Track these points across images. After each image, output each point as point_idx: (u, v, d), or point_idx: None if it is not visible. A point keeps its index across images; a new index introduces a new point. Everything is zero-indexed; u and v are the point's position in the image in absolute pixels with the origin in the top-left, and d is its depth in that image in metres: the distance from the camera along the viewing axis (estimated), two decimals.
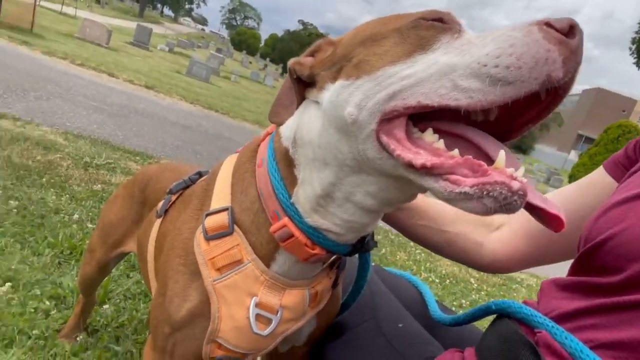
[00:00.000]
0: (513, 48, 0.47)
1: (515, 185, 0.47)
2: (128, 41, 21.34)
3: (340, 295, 0.90)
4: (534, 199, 0.49)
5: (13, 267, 1.69)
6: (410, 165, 0.53)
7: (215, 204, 0.74)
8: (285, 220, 0.67)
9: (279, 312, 0.73)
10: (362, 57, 0.59)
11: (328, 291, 0.81)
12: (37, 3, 13.62)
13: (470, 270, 4.38)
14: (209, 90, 13.87)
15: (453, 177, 0.50)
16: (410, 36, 0.56)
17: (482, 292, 3.71)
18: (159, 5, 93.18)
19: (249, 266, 0.71)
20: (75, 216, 2.36)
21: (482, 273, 4.38)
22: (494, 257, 0.95)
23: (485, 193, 0.48)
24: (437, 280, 3.55)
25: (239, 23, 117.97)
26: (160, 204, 0.93)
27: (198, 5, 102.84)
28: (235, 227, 0.71)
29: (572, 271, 0.69)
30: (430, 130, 0.56)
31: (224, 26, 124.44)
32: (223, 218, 0.72)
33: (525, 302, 0.72)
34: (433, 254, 4.42)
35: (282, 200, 0.68)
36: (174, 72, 16.04)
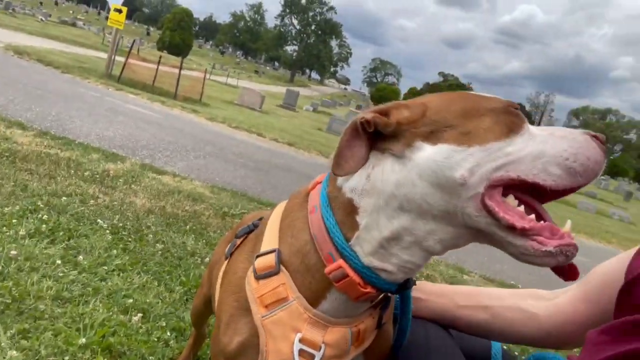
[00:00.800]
0: (583, 150, 0.65)
1: (576, 245, 0.65)
2: (278, 104, 23.71)
3: (391, 334, 0.91)
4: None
5: (148, 300, 1.98)
6: (511, 227, 0.65)
7: (265, 247, 0.83)
8: (341, 262, 0.73)
9: (321, 349, 0.77)
10: (470, 129, 0.69)
11: (372, 331, 0.83)
12: (207, 77, 16.07)
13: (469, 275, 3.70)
14: None
15: (540, 238, 0.65)
16: (505, 119, 0.69)
17: None
18: (307, 71, 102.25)
19: (293, 304, 0.77)
20: (207, 259, 2.67)
21: (480, 277, 3.67)
22: (553, 324, 0.87)
23: (563, 252, 0.64)
24: None
25: (379, 80, 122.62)
26: (228, 247, 1.04)
27: (342, 67, 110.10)
28: (282, 267, 0.79)
29: (616, 313, 0.63)
30: (511, 197, 0.68)
31: (365, 84, 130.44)
32: (271, 259, 0.79)
33: (569, 358, 0.64)
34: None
35: (338, 243, 0.74)
36: (316, 129, 17.23)
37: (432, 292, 0.99)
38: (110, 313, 1.79)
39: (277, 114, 19.11)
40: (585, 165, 0.64)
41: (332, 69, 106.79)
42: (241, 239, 1.00)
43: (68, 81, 10.82)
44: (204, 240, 2.99)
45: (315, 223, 0.77)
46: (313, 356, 0.77)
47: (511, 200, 0.68)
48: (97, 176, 3.67)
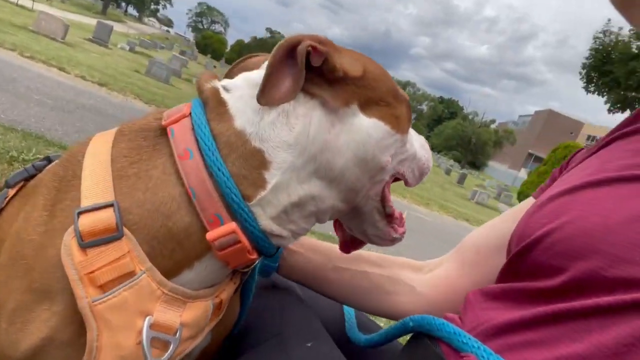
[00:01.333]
0: (429, 157, 0.76)
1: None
2: (86, 37, 20.62)
3: (238, 301, 0.80)
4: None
5: None
6: (391, 215, 0.71)
7: (89, 198, 0.57)
8: (233, 226, 0.57)
9: (178, 332, 0.59)
10: (399, 113, 0.67)
11: (229, 298, 0.70)
12: None
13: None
14: (167, 91, 13.52)
15: (395, 226, 0.73)
16: (409, 114, 0.70)
17: None
18: (123, 4, 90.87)
19: (143, 278, 0.55)
20: None
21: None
22: (434, 296, 0.83)
23: (402, 238, 0.76)
24: None
25: (205, 27, 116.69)
26: None
27: (164, 7, 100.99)
28: (125, 229, 0.55)
29: (502, 277, 0.61)
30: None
31: (190, 29, 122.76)
32: (108, 217, 0.54)
33: (446, 317, 0.64)
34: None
35: (234, 202, 0.57)
36: (133, 71, 15.58)
37: (310, 247, 0.89)
38: None
39: (84, 48, 16.55)
40: (428, 170, 0.75)
41: (152, 7, 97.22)
42: (16, 188, 0.70)
43: None
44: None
45: (192, 173, 0.57)
46: (168, 344, 0.59)
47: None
48: None
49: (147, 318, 0.56)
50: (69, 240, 0.54)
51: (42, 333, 0.54)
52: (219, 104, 0.61)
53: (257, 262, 0.72)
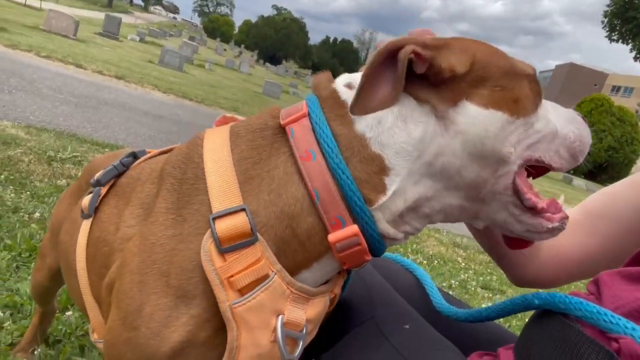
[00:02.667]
0: (585, 135, 0.64)
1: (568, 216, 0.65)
2: (96, 32, 20.65)
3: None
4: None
5: None
6: (531, 208, 0.61)
7: (220, 202, 0.56)
8: (355, 228, 0.56)
9: (304, 329, 0.61)
10: (519, 94, 0.59)
11: (339, 291, 0.71)
12: None
13: (457, 249, 4.31)
14: (182, 79, 13.51)
15: (547, 215, 0.62)
16: (536, 88, 0.61)
17: (470, 271, 3.64)
18: None
19: (275, 279, 0.57)
20: (37, 214, 2.17)
21: (469, 252, 4.33)
22: (542, 263, 0.83)
23: (562, 226, 0.64)
24: (424, 262, 3.47)
25: (211, 10, 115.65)
26: (87, 200, 0.74)
27: None
28: (259, 236, 0.56)
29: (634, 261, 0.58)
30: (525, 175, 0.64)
31: (196, 14, 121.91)
32: (242, 222, 0.55)
33: (575, 294, 0.58)
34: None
35: (357, 205, 0.56)
36: (146, 61, 15.59)
37: None
38: None
39: (96, 43, 16.58)
40: (584, 149, 0.64)
41: None
42: (107, 186, 0.73)
43: None
44: (28, 192, 2.43)
45: (316, 176, 0.56)
46: (297, 340, 0.61)
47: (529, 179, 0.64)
48: None
49: (280, 317, 0.58)
50: (207, 245, 0.55)
51: (181, 336, 0.55)
52: (339, 106, 0.60)
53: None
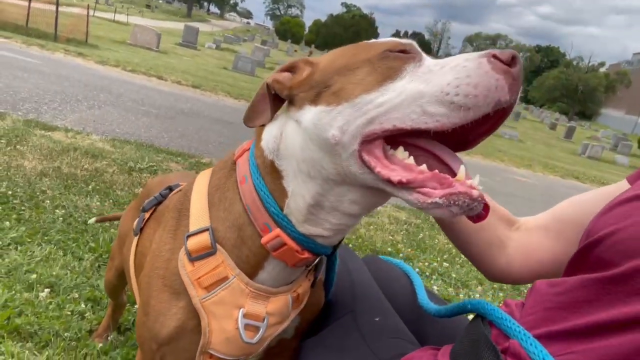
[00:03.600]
0: (469, 79, 0.57)
1: (475, 193, 0.58)
2: (177, 42, 22.09)
3: (322, 292, 0.94)
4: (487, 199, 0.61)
5: (54, 273, 1.83)
6: (388, 181, 0.61)
7: (194, 225, 0.77)
8: (277, 231, 0.71)
9: (265, 319, 0.78)
10: (340, 86, 0.66)
11: (307, 291, 0.85)
12: (91, 14, 14.37)
13: None
14: (254, 84, 14.09)
15: (424, 189, 0.60)
16: (380, 66, 0.64)
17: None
18: (205, 4, 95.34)
19: (234, 281, 0.75)
20: (117, 222, 2.52)
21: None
22: (517, 257, 0.90)
23: (452, 202, 0.58)
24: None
25: (282, 13, 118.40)
26: (136, 222, 0.97)
27: (242, 0, 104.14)
28: (218, 245, 0.75)
29: (569, 269, 0.66)
30: (401, 148, 0.64)
31: (269, 17, 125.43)
32: (205, 239, 0.75)
33: (506, 303, 0.69)
34: None
35: (274, 212, 0.72)
36: (221, 68, 16.44)
37: None
38: (13, 292, 1.64)
39: (176, 54, 17.83)
40: (472, 95, 0.56)
41: (232, 1, 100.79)
42: (149, 212, 0.94)
43: None
44: (111, 201, 2.80)
45: (247, 194, 0.74)
46: (258, 328, 0.78)
47: (400, 152, 0.64)
48: None
49: (241, 310, 0.75)
50: (181, 256, 0.75)
51: (175, 323, 0.76)
52: (259, 136, 0.77)
53: (314, 260, 0.78)
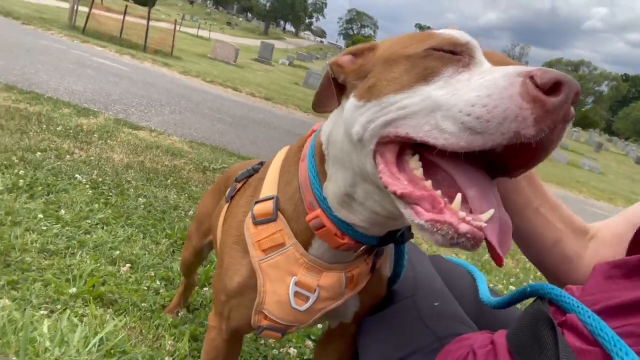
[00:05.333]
0: (488, 99, 0.49)
1: (463, 228, 0.50)
2: (253, 58, 23.08)
3: (385, 278, 0.94)
4: (491, 236, 0.52)
5: (135, 252, 1.99)
6: (386, 188, 0.58)
7: (264, 193, 0.84)
8: (319, 211, 0.75)
9: (316, 291, 0.80)
10: (374, 81, 0.63)
11: (365, 275, 0.85)
12: (177, 29, 15.42)
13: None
14: None
15: (417, 208, 0.54)
16: (419, 66, 0.58)
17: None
18: (281, 22, 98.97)
19: (289, 249, 0.79)
20: (190, 212, 2.67)
21: None
22: (587, 272, 0.86)
23: (435, 230, 0.52)
24: None
25: (355, 32, 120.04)
26: (229, 190, 1.05)
27: (317, 19, 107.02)
28: (279, 214, 0.80)
29: (631, 249, 0.66)
30: (416, 157, 0.59)
31: (341, 37, 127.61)
32: (269, 206, 0.81)
33: (566, 287, 0.68)
34: None
35: (316, 193, 0.75)
36: (292, 83, 16.94)
37: (527, 176, 0.84)
38: (98, 264, 1.80)
39: (252, 68, 18.64)
40: (484, 120, 0.48)
41: (307, 21, 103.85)
42: (241, 182, 1.01)
43: (30, 33, 10.25)
44: (186, 195, 2.98)
45: (302, 171, 0.79)
46: (308, 298, 0.81)
47: (414, 160, 0.59)
48: (71, 131, 3.56)
49: (293, 277, 0.79)
50: (247, 219, 0.82)
51: (239, 278, 0.83)
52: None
53: (358, 247, 0.76)
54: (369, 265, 0.85)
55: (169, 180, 3.13)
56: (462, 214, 0.52)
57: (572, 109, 0.50)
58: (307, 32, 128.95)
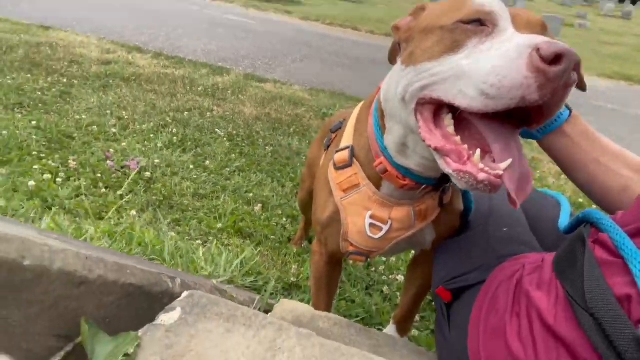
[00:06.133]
0: (501, 69, 0.59)
1: (481, 176, 0.63)
2: None
3: (457, 211, 1.07)
4: (508, 183, 0.64)
5: (265, 194, 2.35)
6: (424, 141, 0.72)
7: (343, 144, 1.02)
8: (382, 159, 0.91)
9: (389, 223, 0.98)
10: (413, 49, 0.75)
11: (434, 209, 0.99)
12: None
13: None
14: None
15: (447, 159, 0.68)
16: (447, 37, 0.69)
17: None
18: None
19: (363, 189, 0.97)
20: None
21: None
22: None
23: (460, 177, 0.66)
24: None
25: None
26: (326, 140, 1.24)
27: None
28: (354, 160, 0.98)
29: None
30: (449, 115, 0.71)
31: None
32: (345, 154, 0.99)
33: (616, 213, 0.74)
34: None
35: (380, 144, 0.91)
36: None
37: (581, 133, 0.89)
38: (237, 205, 2.20)
39: (372, 2, 18.13)
40: (497, 87, 0.59)
41: None
42: (335, 133, 1.19)
43: None
44: (307, 141, 3.29)
45: (370, 126, 0.95)
46: (381, 228, 0.98)
47: (447, 118, 0.70)
48: (209, 90, 4.08)
49: (369, 212, 0.97)
50: (330, 166, 1.01)
51: (327, 213, 1.03)
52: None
53: (419, 187, 0.91)
54: (436, 200, 0.99)
55: (291, 129, 3.46)
56: (481, 165, 0.65)
57: (574, 74, 0.59)
58: None
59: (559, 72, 0.56)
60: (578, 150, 0.88)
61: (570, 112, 0.86)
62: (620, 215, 0.73)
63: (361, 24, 11.40)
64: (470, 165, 0.65)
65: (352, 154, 0.99)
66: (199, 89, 4.05)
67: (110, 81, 3.83)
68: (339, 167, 1.00)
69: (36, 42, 4.64)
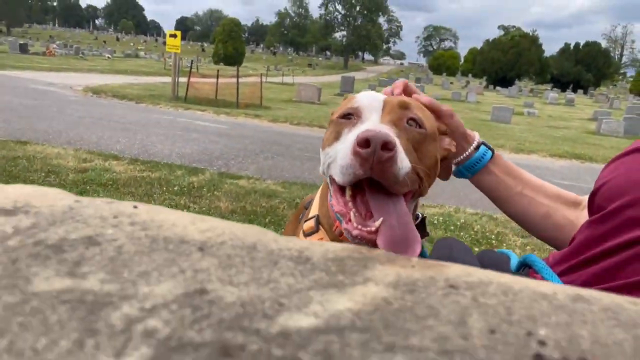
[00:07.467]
0: (342, 153, 0.76)
1: (355, 232, 0.76)
2: (336, 93, 23.97)
3: None
4: (378, 239, 0.77)
5: None
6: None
7: (311, 213, 1.15)
8: (337, 223, 1.01)
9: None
10: (325, 136, 0.93)
11: None
12: (264, 80, 16.70)
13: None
14: None
15: (344, 220, 0.83)
16: (334, 129, 0.86)
17: None
18: (359, 54, 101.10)
19: None
20: None
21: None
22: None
23: (346, 234, 0.79)
24: None
25: (435, 48, 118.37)
26: (301, 215, 1.37)
27: (395, 43, 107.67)
28: (320, 227, 1.11)
29: (589, 214, 0.86)
30: (348, 187, 0.84)
31: (422, 55, 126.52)
32: (312, 222, 1.10)
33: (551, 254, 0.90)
34: None
35: (333, 210, 1.02)
36: None
37: (505, 170, 1.04)
38: None
39: (336, 103, 19.33)
40: (342, 167, 0.74)
41: (384, 47, 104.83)
42: (308, 209, 1.33)
43: (143, 110, 11.89)
44: (282, 229, 3.40)
45: (329, 195, 1.09)
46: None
47: (347, 189, 0.80)
48: (185, 189, 4.23)
49: None
50: (300, 233, 1.10)
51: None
52: None
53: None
54: None
55: (267, 219, 3.59)
56: (355, 224, 0.79)
57: (385, 153, 0.74)
58: (387, 58, 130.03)
59: (368, 153, 0.71)
60: (504, 185, 1.03)
61: (493, 152, 1.02)
62: (551, 256, 0.87)
63: (326, 122, 12.04)
64: (350, 224, 0.80)
65: (318, 222, 1.12)
66: (175, 188, 4.20)
67: (88, 187, 3.95)
68: (307, 234, 1.10)
69: (13, 156, 4.78)
